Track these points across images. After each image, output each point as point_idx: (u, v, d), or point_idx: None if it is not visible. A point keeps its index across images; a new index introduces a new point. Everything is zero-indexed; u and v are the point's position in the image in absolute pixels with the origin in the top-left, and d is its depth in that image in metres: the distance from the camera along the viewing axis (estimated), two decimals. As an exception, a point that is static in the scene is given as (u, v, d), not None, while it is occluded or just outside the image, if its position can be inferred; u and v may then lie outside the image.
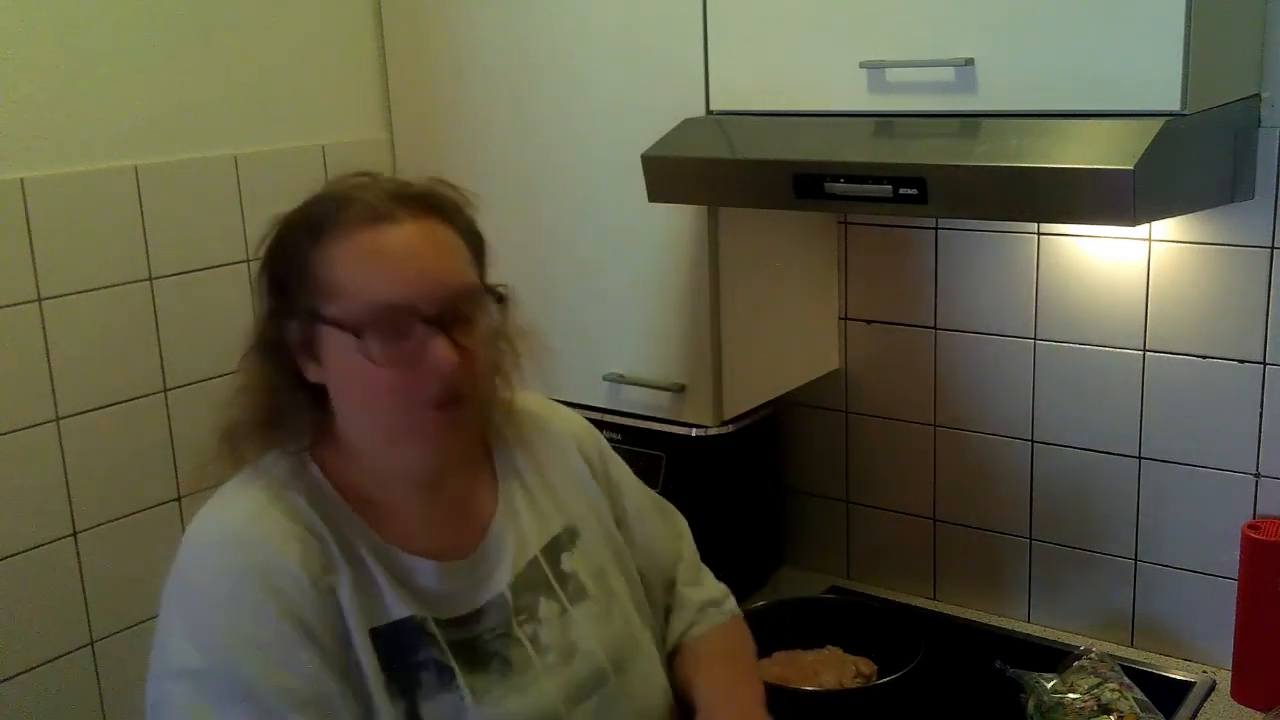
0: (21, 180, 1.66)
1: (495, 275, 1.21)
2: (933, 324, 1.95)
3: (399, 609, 1.11)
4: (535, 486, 1.27)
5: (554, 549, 1.24)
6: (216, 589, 1.06)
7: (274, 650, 1.04)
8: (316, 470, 1.15)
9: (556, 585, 1.21)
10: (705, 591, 1.42)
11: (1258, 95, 1.58)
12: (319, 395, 1.14)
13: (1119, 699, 1.58)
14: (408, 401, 1.09)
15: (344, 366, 1.09)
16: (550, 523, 1.25)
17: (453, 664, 1.11)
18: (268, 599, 1.05)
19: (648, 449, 1.89)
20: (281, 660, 1.03)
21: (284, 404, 1.13)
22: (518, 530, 1.22)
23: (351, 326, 1.06)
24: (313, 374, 1.13)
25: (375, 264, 1.08)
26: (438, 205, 1.14)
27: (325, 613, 1.06)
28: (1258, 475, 1.70)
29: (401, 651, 1.10)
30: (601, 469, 1.35)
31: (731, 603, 1.44)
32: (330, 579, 1.08)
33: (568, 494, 1.29)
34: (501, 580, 1.18)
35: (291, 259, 1.11)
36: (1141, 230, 1.72)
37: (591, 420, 1.92)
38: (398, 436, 1.12)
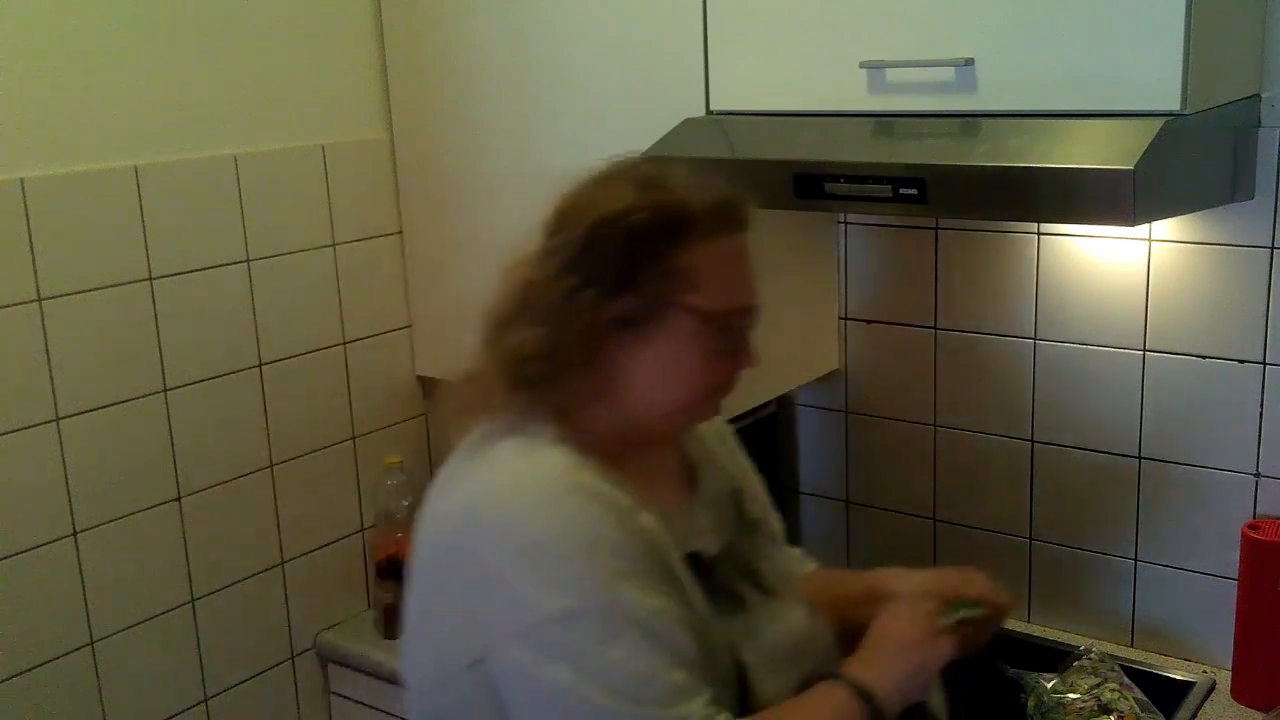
0: (21, 180, 1.66)
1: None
2: (933, 324, 1.95)
3: (683, 546, 1.17)
4: (700, 453, 1.34)
5: (737, 498, 1.34)
6: (577, 533, 1.07)
7: (642, 578, 1.08)
8: (569, 431, 1.17)
9: (753, 528, 1.33)
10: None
11: (1258, 95, 1.58)
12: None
13: (1119, 699, 1.58)
14: (712, 388, 1.20)
15: (677, 348, 1.15)
16: (725, 479, 1.34)
17: (743, 591, 1.23)
18: (626, 536, 1.08)
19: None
20: (651, 586, 1.08)
21: (572, 366, 1.14)
22: (715, 483, 1.32)
23: (707, 316, 1.14)
24: (619, 347, 1.14)
25: (736, 268, 1.18)
26: (749, 218, 1.21)
27: (661, 545, 1.12)
28: (1258, 475, 1.70)
29: (704, 580, 1.17)
30: (731, 446, 1.43)
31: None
32: (648, 517, 1.13)
33: (723, 458, 1.38)
34: (724, 526, 1.28)
35: (646, 243, 1.12)
36: (1141, 230, 1.72)
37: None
38: (681, 414, 1.21)
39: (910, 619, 1.25)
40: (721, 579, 1.21)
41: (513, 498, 1.10)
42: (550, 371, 1.12)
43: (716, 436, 1.40)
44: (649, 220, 1.11)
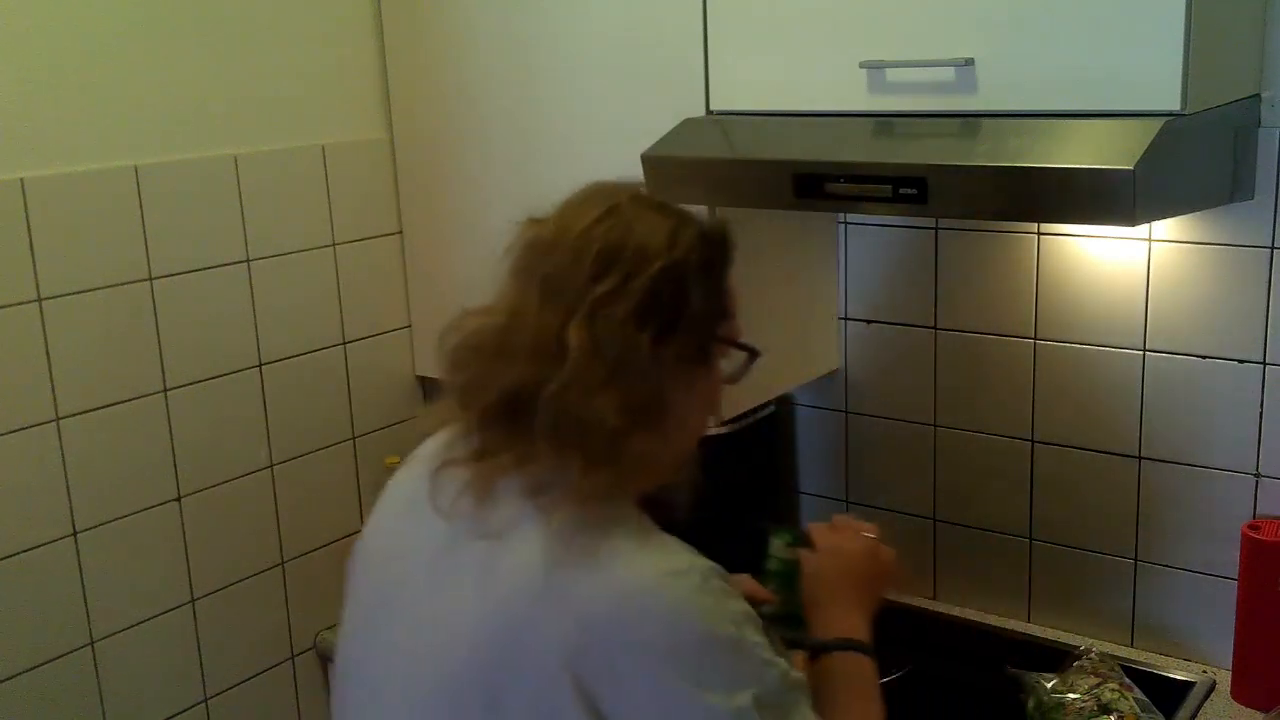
0: (21, 180, 1.66)
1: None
2: (933, 324, 1.95)
3: None
4: None
5: None
6: (730, 625, 1.01)
7: (770, 653, 1.03)
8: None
9: None
10: None
11: (1258, 95, 1.58)
12: None
13: (1119, 699, 1.58)
14: (709, 423, 1.17)
15: (709, 390, 1.13)
16: None
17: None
18: (749, 613, 1.04)
19: (648, 449, 1.89)
20: (775, 658, 1.04)
21: (651, 426, 1.06)
22: None
23: (731, 344, 1.12)
24: (678, 391, 1.08)
25: (738, 298, 1.16)
26: None
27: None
28: (1258, 475, 1.70)
29: None
30: None
31: None
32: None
33: None
34: None
35: (703, 278, 1.09)
36: (1141, 230, 1.72)
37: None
38: (688, 458, 1.15)
39: (849, 546, 1.30)
40: None
41: (660, 600, 0.99)
42: (630, 438, 1.02)
43: None
44: (704, 254, 1.08)
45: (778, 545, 1.42)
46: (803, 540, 1.35)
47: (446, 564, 1.08)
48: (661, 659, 0.96)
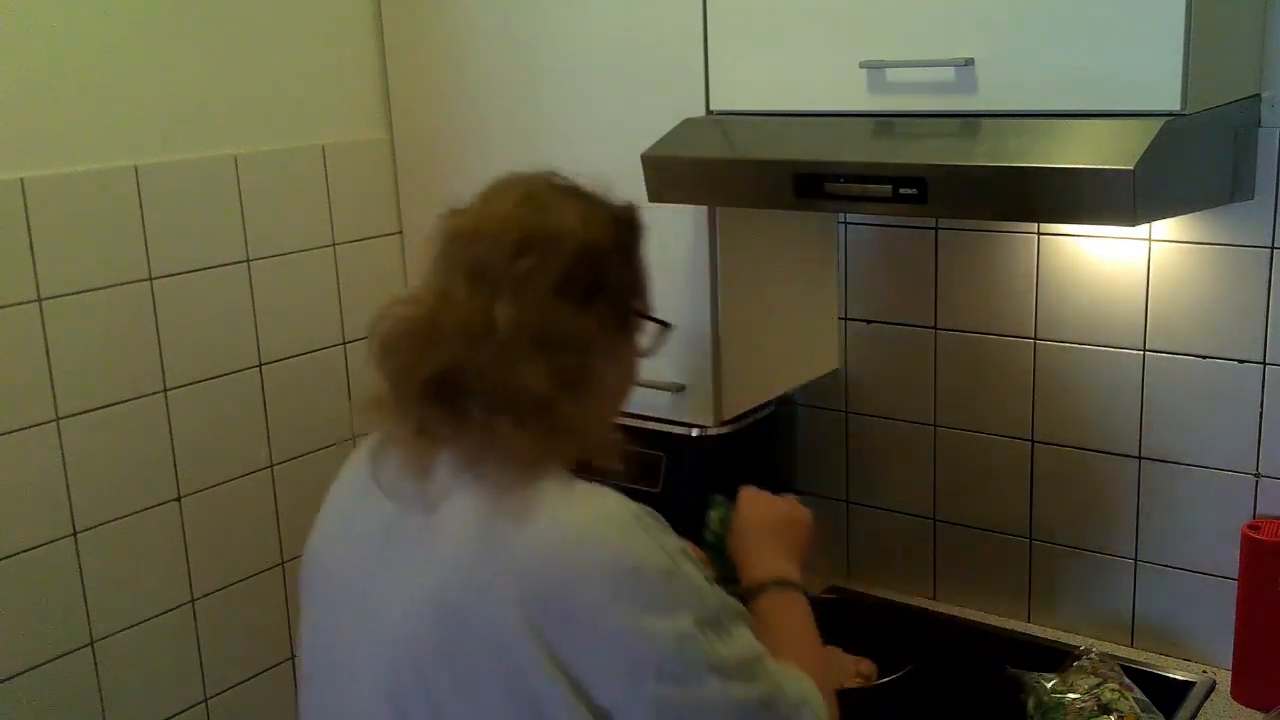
0: (21, 180, 1.66)
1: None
2: (933, 324, 1.95)
3: None
4: None
5: None
6: (664, 557, 1.07)
7: (707, 581, 1.10)
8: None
9: None
10: None
11: (1258, 95, 1.58)
12: None
13: (1119, 699, 1.58)
14: (630, 393, 1.25)
15: (628, 361, 1.22)
16: None
17: None
18: (683, 547, 1.11)
19: (648, 449, 1.89)
20: (712, 585, 1.11)
21: (576, 388, 1.13)
22: None
23: (645, 318, 1.21)
24: (602, 359, 1.15)
25: (650, 278, 1.24)
26: None
27: None
28: (1258, 475, 1.70)
29: None
30: None
31: None
32: None
33: None
34: None
35: (619, 255, 1.18)
36: (1141, 230, 1.72)
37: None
38: (614, 426, 1.22)
39: (768, 502, 1.40)
40: None
41: (596, 540, 1.05)
42: (557, 404, 1.08)
43: None
44: (617, 234, 1.16)
45: (713, 518, 1.50)
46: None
47: (395, 543, 1.13)
48: (604, 596, 1.02)
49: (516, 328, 1.07)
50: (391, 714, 1.10)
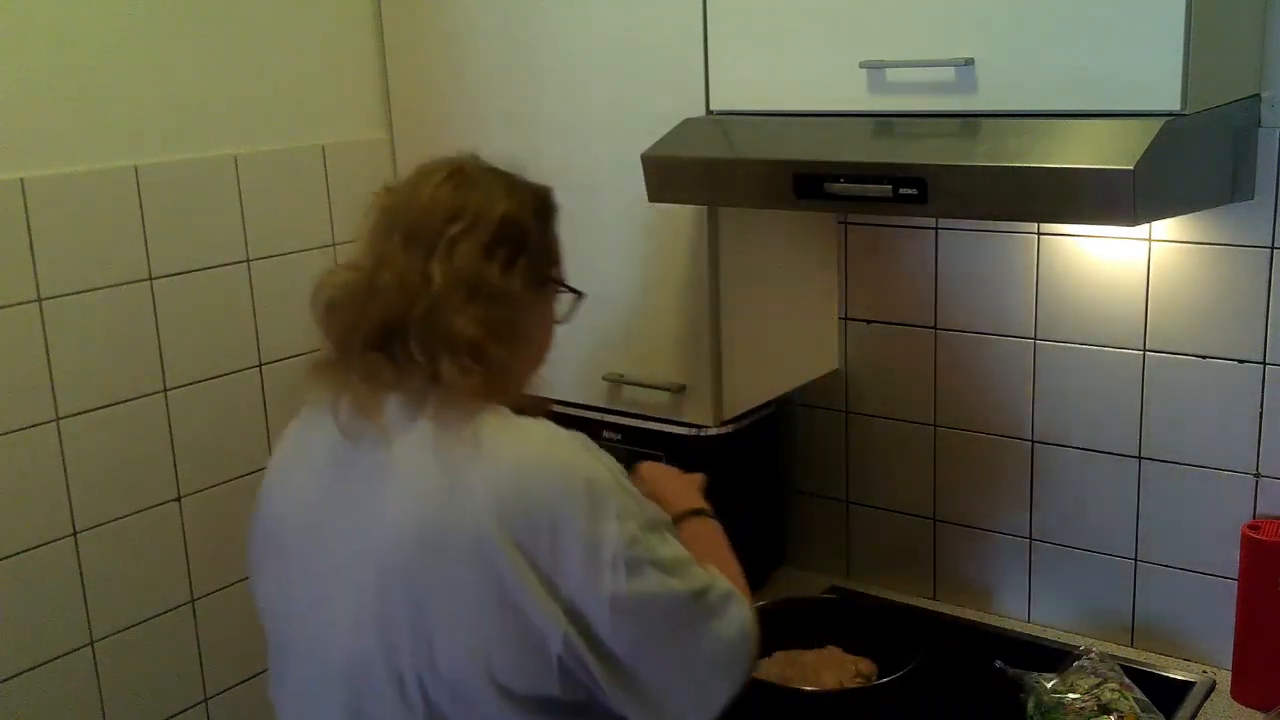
0: (21, 180, 1.66)
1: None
2: (933, 324, 1.95)
3: None
4: None
5: None
6: (607, 473, 1.21)
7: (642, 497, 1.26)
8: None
9: None
10: None
11: (1258, 95, 1.58)
12: None
13: (1119, 699, 1.58)
14: (550, 347, 1.37)
15: (547, 320, 1.35)
16: None
17: None
18: (619, 467, 1.25)
19: (648, 449, 1.89)
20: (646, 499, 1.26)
21: (508, 339, 1.26)
22: None
23: (559, 286, 1.35)
24: (528, 314, 1.29)
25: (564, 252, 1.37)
26: None
27: None
28: (1258, 475, 1.70)
29: None
30: None
31: None
32: None
33: None
34: None
35: (537, 226, 1.31)
36: (1141, 230, 1.72)
37: (591, 420, 1.93)
38: (538, 374, 1.36)
39: (664, 466, 1.57)
40: None
41: (553, 458, 1.19)
42: (488, 348, 1.22)
43: None
44: (536, 205, 1.30)
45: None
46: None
47: (360, 483, 1.23)
48: (569, 507, 1.16)
49: (450, 281, 1.21)
50: (378, 644, 1.19)
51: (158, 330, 1.83)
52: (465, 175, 1.30)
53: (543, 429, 1.23)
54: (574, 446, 1.21)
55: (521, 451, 1.19)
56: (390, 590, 1.18)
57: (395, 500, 1.19)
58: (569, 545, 1.15)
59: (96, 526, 1.78)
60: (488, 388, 1.21)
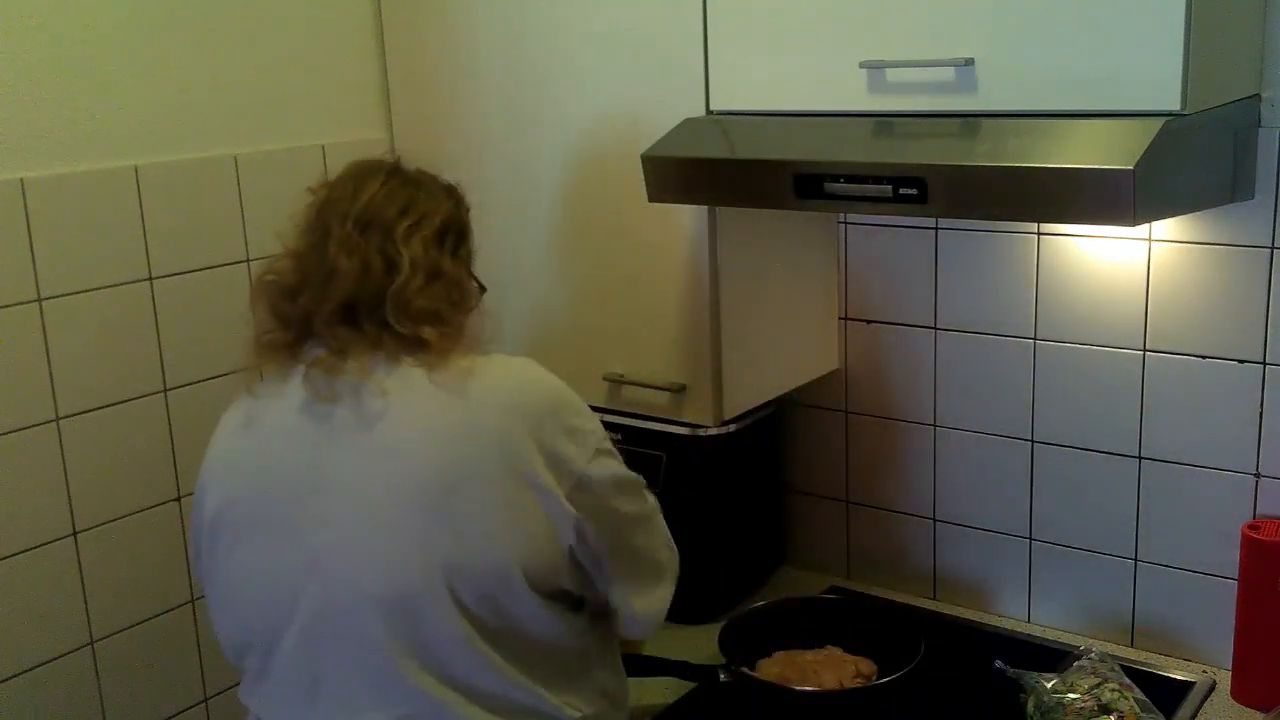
0: (21, 180, 1.66)
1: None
2: (933, 324, 1.95)
3: None
4: None
5: None
6: (570, 390, 1.39)
7: None
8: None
9: None
10: None
11: (1258, 95, 1.58)
12: None
13: (1119, 699, 1.58)
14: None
15: (473, 284, 1.47)
16: None
17: None
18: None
19: (648, 449, 1.89)
20: None
21: (461, 304, 1.42)
22: None
23: (477, 282, 1.48)
24: (471, 288, 1.45)
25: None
26: None
27: None
28: (1258, 475, 1.71)
29: None
30: None
31: None
32: None
33: None
34: None
35: (465, 218, 1.48)
36: (1141, 230, 1.72)
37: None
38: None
39: None
40: None
41: (536, 377, 1.37)
42: (448, 316, 1.37)
43: None
44: (460, 201, 1.47)
45: None
46: None
47: (340, 430, 1.31)
48: (558, 407, 1.35)
49: (414, 267, 1.35)
50: (420, 560, 1.26)
51: (158, 330, 1.83)
52: (404, 175, 1.44)
53: (516, 358, 1.40)
54: (542, 370, 1.39)
55: (509, 369, 1.37)
56: (421, 509, 1.27)
57: (405, 426, 1.30)
58: (571, 439, 1.33)
59: (96, 526, 1.78)
60: (454, 344, 1.36)
